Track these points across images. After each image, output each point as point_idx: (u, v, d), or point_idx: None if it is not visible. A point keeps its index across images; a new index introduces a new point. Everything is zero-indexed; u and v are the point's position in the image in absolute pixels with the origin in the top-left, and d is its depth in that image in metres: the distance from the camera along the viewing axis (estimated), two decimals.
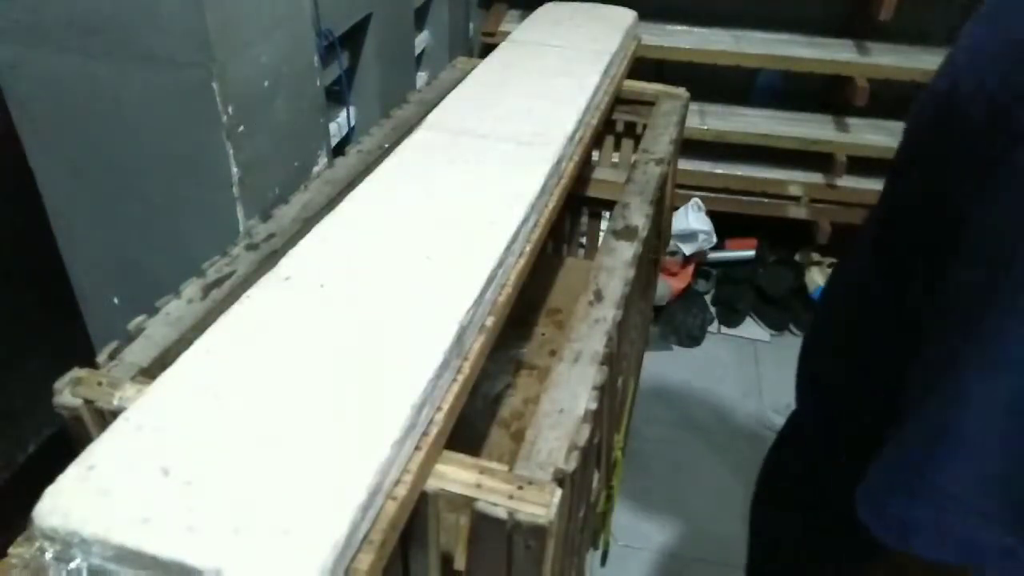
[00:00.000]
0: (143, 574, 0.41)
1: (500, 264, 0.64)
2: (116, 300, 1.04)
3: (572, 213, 1.37)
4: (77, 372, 0.57)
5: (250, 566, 0.40)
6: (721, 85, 2.09)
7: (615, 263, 0.79)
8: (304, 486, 0.43)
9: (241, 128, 0.89)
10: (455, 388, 0.56)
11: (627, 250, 0.81)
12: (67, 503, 0.43)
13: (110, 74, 0.85)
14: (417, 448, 0.50)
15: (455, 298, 0.58)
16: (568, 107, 0.89)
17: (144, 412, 0.48)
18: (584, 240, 1.48)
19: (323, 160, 1.12)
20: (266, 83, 0.93)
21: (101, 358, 0.60)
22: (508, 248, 0.66)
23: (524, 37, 1.13)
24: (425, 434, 0.52)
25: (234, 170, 0.89)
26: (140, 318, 0.64)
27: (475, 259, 0.63)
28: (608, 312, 0.71)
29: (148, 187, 0.93)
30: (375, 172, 0.76)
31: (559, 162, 0.80)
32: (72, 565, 0.42)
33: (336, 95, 1.25)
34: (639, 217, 0.87)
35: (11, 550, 0.45)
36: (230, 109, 0.86)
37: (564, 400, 0.60)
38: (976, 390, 0.43)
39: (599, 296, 0.73)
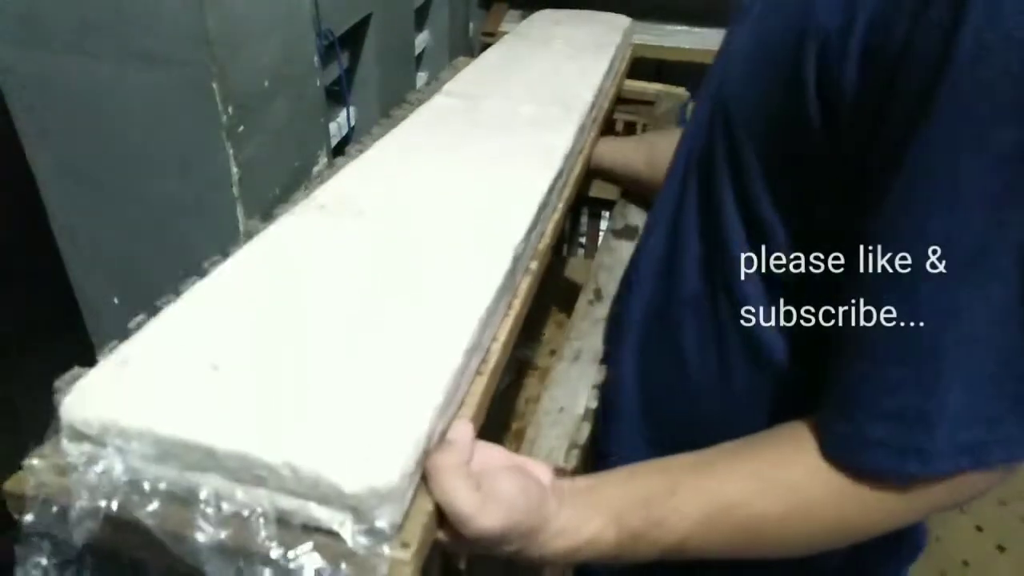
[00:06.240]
0: (188, 476, 0.35)
1: (545, 204, 0.63)
2: (116, 300, 1.04)
3: (572, 213, 1.37)
4: (78, 371, 0.57)
5: (331, 462, 0.34)
6: None
7: (615, 262, 0.79)
8: (375, 390, 0.39)
9: (241, 128, 0.89)
10: (508, 323, 0.54)
11: (627, 249, 0.81)
12: (101, 394, 0.37)
13: (110, 74, 0.85)
14: (479, 373, 0.49)
15: (509, 227, 0.56)
16: (569, 108, 0.89)
17: (183, 311, 0.43)
18: (584, 240, 1.48)
19: (323, 160, 1.12)
20: (266, 83, 0.93)
21: (102, 357, 0.60)
22: (551, 190, 0.64)
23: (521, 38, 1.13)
24: (484, 361, 0.50)
25: (234, 170, 0.89)
26: (140, 317, 0.64)
27: (523, 194, 0.61)
28: (608, 311, 0.71)
29: (148, 187, 0.93)
30: (399, 126, 0.74)
31: (583, 128, 0.79)
32: (100, 467, 0.35)
33: (336, 95, 1.25)
34: (639, 217, 0.87)
35: (26, 460, 0.39)
36: (230, 109, 0.86)
37: (564, 398, 0.60)
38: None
39: (599, 295, 0.73)
